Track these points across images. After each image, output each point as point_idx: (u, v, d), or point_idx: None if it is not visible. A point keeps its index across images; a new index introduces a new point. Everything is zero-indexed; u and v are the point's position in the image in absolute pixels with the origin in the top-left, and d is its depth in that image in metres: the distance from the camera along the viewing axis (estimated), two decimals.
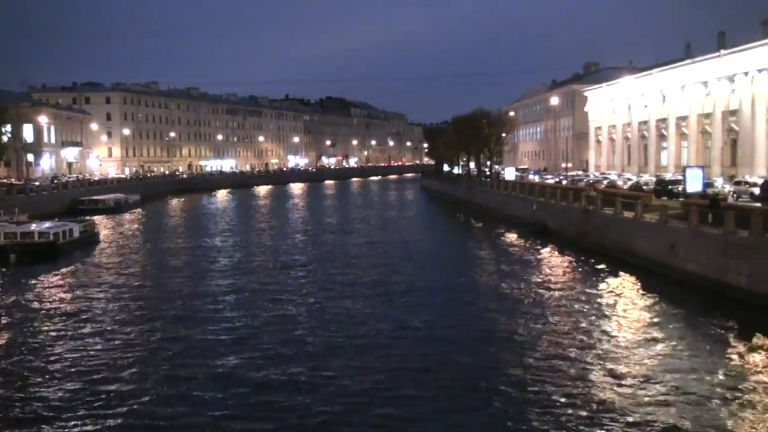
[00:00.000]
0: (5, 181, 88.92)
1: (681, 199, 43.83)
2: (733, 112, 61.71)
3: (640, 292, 33.06)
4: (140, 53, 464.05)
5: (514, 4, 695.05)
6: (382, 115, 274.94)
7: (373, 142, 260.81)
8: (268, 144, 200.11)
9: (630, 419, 17.72)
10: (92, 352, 24.43)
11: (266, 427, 18.06)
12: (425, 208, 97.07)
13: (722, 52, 61.96)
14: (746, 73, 58.00)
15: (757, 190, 43.07)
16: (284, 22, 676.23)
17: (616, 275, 36.94)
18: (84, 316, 29.81)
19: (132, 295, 34.41)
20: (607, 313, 29.11)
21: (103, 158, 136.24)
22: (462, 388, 20.43)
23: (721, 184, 50.58)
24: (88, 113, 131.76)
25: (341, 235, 59.74)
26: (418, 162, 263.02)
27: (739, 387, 19.85)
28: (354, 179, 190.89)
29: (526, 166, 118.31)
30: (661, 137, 76.13)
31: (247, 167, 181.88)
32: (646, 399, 19.09)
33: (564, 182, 71.40)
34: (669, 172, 67.76)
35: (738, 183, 47.87)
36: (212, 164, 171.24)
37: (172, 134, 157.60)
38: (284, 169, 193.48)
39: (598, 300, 31.45)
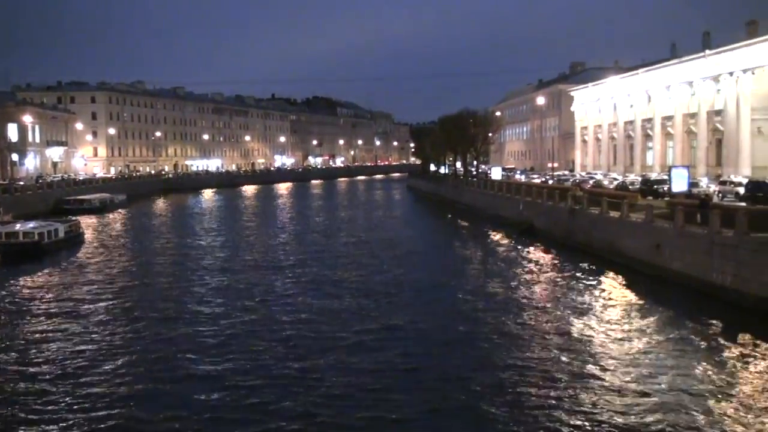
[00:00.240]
0: None
1: (666, 199, 44.08)
2: (718, 112, 62.23)
3: (626, 291, 33.24)
4: (125, 53, 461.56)
5: (500, 5, 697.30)
6: (369, 114, 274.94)
7: (360, 142, 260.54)
8: (255, 144, 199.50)
9: (612, 419, 17.78)
10: (77, 353, 24.23)
11: (252, 428, 17.95)
12: (412, 207, 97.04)
13: (707, 52, 62.48)
14: (731, 74, 58.47)
15: (742, 190, 43.47)
16: (270, 22, 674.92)
17: (601, 274, 37.09)
18: (69, 316, 29.58)
19: (117, 295, 34.16)
20: (592, 312, 29.23)
21: (89, 158, 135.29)
22: (448, 388, 20.41)
23: (706, 184, 51.01)
24: (73, 113, 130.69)
25: (327, 235, 59.60)
26: (404, 162, 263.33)
27: (723, 386, 19.98)
28: (341, 179, 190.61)
29: (512, 166, 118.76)
30: (647, 137, 76.62)
31: (234, 167, 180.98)
32: (629, 398, 19.15)
33: (550, 182, 71.56)
34: (654, 171, 68.17)
35: (723, 183, 48.31)
36: (198, 164, 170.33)
37: (158, 134, 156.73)
38: (271, 168, 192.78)
39: (584, 299, 31.57)
